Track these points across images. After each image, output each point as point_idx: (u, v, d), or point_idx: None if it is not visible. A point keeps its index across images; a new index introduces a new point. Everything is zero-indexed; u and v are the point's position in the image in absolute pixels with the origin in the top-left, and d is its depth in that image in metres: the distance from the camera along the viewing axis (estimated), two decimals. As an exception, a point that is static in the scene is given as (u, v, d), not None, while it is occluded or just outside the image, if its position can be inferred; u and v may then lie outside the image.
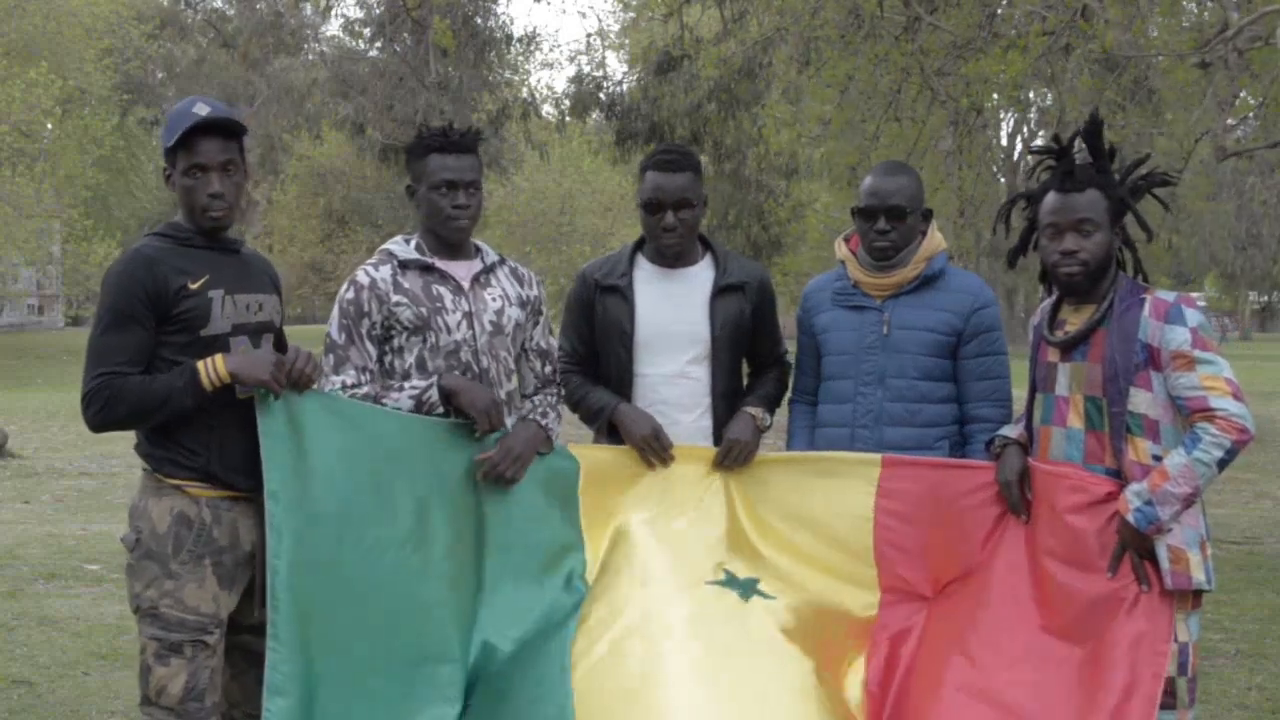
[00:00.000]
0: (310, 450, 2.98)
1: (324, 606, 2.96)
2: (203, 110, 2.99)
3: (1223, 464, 2.85)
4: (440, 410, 3.19)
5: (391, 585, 3.05)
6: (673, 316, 3.50)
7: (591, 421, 3.59)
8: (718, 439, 3.50)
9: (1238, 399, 2.85)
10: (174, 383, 2.89)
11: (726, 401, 3.53)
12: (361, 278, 3.28)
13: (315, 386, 3.05)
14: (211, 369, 2.90)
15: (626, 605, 3.15)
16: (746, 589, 3.24)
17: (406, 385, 3.20)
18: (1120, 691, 2.87)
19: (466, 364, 3.26)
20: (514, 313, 3.37)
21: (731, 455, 3.43)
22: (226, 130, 3.03)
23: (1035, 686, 2.98)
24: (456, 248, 3.34)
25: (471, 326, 3.28)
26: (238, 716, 3.14)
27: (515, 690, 3.05)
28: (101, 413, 2.90)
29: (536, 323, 3.47)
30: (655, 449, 3.42)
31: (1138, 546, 2.92)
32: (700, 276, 3.55)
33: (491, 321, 3.32)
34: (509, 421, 3.31)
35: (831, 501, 3.35)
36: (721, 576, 3.26)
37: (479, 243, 3.46)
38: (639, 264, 3.59)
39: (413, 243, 3.35)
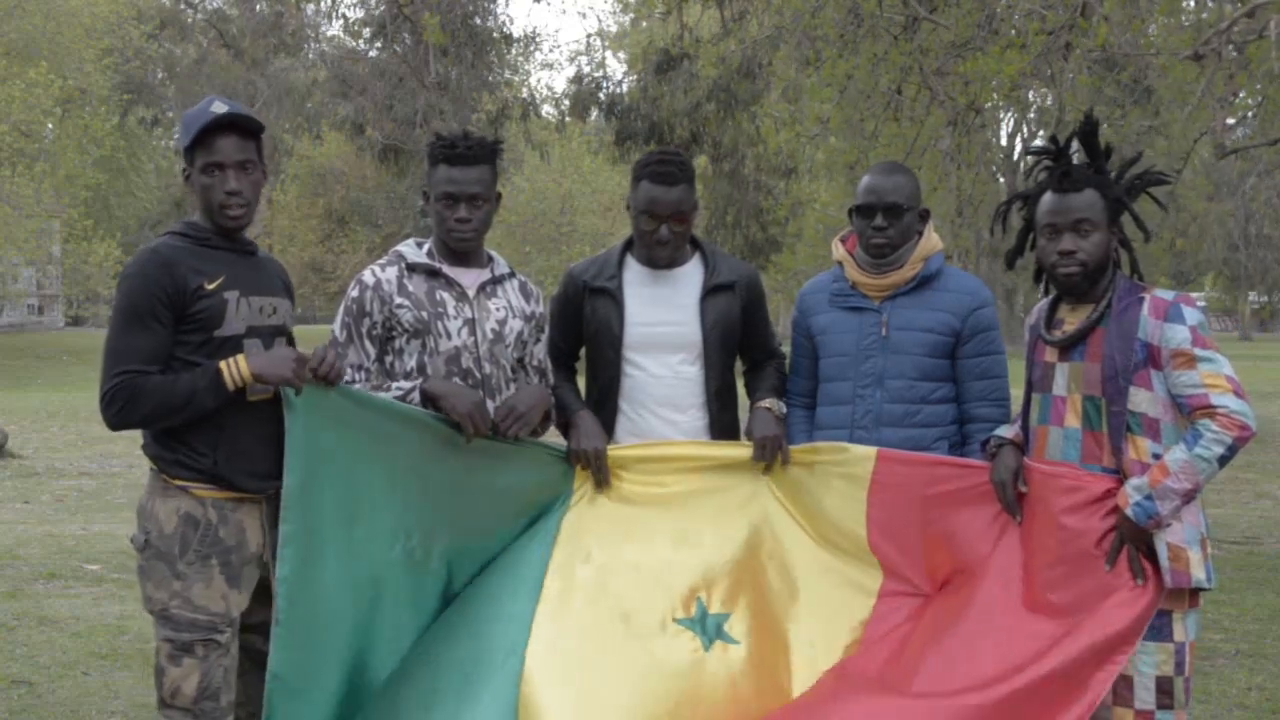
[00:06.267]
0: (337, 444, 2.99)
1: (337, 599, 2.99)
2: (219, 108, 2.99)
3: (1223, 460, 2.84)
4: None
5: (401, 575, 3.10)
6: (663, 318, 3.50)
7: (558, 416, 3.57)
8: (712, 437, 3.50)
9: (1239, 396, 2.85)
10: (197, 383, 2.88)
11: (720, 400, 3.52)
12: (367, 278, 3.31)
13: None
14: (235, 369, 2.90)
15: (587, 633, 3.15)
16: (712, 631, 3.23)
17: (394, 386, 3.21)
18: (1077, 677, 2.89)
19: (467, 369, 3.27)
20: (516, 324, 3.38)
21: (767, 452, 3.41)
22: (243, 129, 3.02)
23: (1022, 689, 2.98)
24: (465, 255, 3.35)
25: (473, 333, 3.29)
26: (242, 716, 3.14)
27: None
28: (123, 412, 2.88)
29: (538, 340, 3.48)
30: (594, 467, 3.38)
31: (1136, 541, 2.92)
32: (690, 277, 3.54)
33: (493, 330, 3.33)
34: None
35: (828, 494, 3.37)
36: (692, 611, 3.24)
37: (493, 253, 3.47)
38: (628, 265, 3.57)
39: (425, 247, 3.37)
